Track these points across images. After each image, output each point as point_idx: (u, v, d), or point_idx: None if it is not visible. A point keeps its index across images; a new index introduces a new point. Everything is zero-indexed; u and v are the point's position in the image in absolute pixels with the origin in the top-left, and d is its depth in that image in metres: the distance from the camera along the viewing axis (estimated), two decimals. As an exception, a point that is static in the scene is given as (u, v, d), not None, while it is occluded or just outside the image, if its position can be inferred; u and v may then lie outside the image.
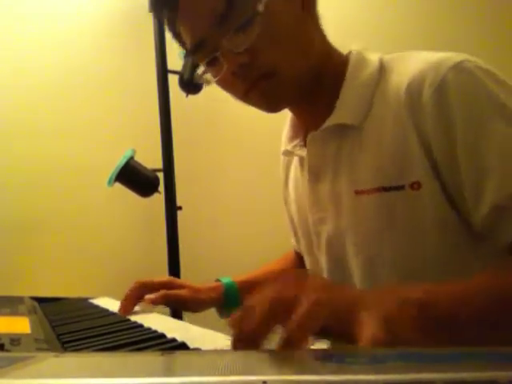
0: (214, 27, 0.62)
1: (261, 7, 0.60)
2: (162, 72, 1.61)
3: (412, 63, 0.63)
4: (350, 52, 0.71)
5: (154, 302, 0.81)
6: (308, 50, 0.66)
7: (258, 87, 0.64)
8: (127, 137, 1.81)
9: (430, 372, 0.22)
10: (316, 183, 0.72)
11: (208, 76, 0.68)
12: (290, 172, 0.83)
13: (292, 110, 0.76)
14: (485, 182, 0.56)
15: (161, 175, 1.60)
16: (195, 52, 0.66)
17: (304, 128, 0.76)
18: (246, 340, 0.38)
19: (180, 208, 1.62)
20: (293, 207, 0.83)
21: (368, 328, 0.38)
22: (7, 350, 0.47)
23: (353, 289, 0.47)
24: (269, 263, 1.00)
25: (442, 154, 0.59)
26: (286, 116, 0.81)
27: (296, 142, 0.77)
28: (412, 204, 0.61)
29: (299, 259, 0.91)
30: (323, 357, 0.30)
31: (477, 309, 0.46)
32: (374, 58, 0.69)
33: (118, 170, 1.50)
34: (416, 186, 0.60)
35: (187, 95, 1.63)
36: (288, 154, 0.80)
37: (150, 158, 1.59)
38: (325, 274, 0.75)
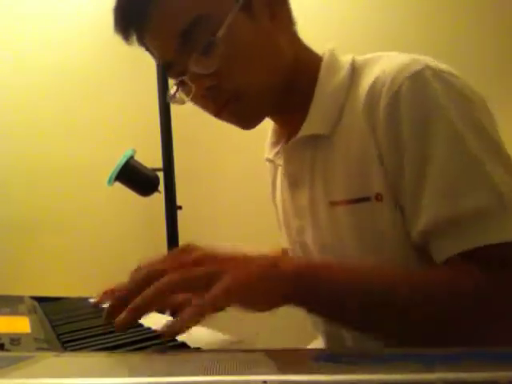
0: (179, 50, 0.62)
1: (222, 31, 0.59)
2: (162, 72, 1.61)
3: (377, 68, 0.61)
4: (323, 53, 0.69)
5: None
6: (276, 64, 0.65)
7: (228, 108, 0.64)
8: (127, 136, 1.81)
9: (430, 372, 0.22)
10: (295, 192, 0.72)
11: (182, 95, 0.67)
12: (277, 178, 0.82)
13: (272, 119, 0.75)
14: (420, 208, 0.55)
15: (161, 174, 1.60)
16: (166, 71, 0.67)
17: (285, 134, 0.75)
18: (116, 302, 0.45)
19: (180, 207, 1.62)
20: (280, 213, 0.82)
21: (216, 287, 0.41)
22: (7, 350, 0.47)
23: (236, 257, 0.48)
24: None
25: (391, 168, 0.58)
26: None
27: (277, 148, 0.76)
28: (377, 216, 0.60)
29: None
30: (323, 357, 0.30)
31: (366, 291, 0.49)
32: (346, 60, 0.67)
33: (118, 169, 1.50)
34: (379, 197, 0.59)
35: (187, 95, 1.63)
36: (270, 162, 0.80)
37: (150, 158, 1.59)
38: None
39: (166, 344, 0.52)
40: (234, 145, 1.88)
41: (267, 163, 0.85)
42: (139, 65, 1.84)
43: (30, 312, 0.78)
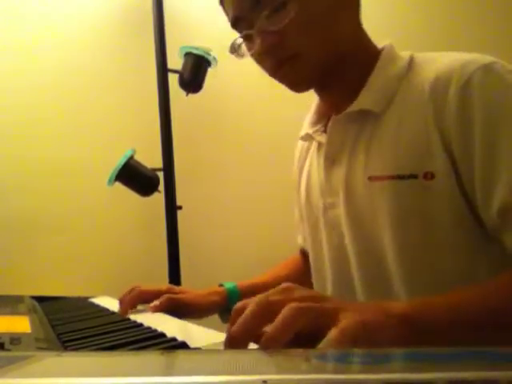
0: (252, 6, 0.67)
1: None
2: (162, 72, 1.61)
3: (441, 61, 0.65)
4: (384, 46, 0.73)
5: (158, 309, 0.79)
6: (335, 37, 0.68)
7: (284, 68, 0.69)
8: (127, 137, 1.81)
9: (430, 372, 0.22)
10: (331, 168, 0.74)
11: (244, 49, 0.72)
12: (307, 158, 0.85)
13: (318, 94, 0.79)
14: (494, 186, 0.58)
15: (161, 174, 1.60)
16: (234, 26, 0.71)
17: (328, 114, 0.78)
18: (235, 337, 0.41)
19: (180, 207, 1.62)
20: (302, 194, 0.84)
21: (339, 325, 0.40)
22: (7, 350, 0.47)
23: (336, 299, 0.49)
24: (273, 268, 0.99)
25: (459, 151, 0.61)
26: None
27: (317, 127, 0.80)
28: (423, 194, 0.63)
29: (304, 261, 0.91)
30: (323, 357, 0.30)
31: (466, 321, 0.51)
32: (405, 54, 0.71)
33: (117, 169, 1.50)
34: (429, 175, 0.62)
35: (187, 94, 1.63)
36: (308, 138, 0.82)
37: (150, 158, 1.59)
38: (327, 263, 0.77)
39: (165, 344, 0.52)
40: (234, 145, 1.88)
41: (299, 144, 0.89)
42: (139, 65, 1.84)
43: (30, 312, 0.78)
